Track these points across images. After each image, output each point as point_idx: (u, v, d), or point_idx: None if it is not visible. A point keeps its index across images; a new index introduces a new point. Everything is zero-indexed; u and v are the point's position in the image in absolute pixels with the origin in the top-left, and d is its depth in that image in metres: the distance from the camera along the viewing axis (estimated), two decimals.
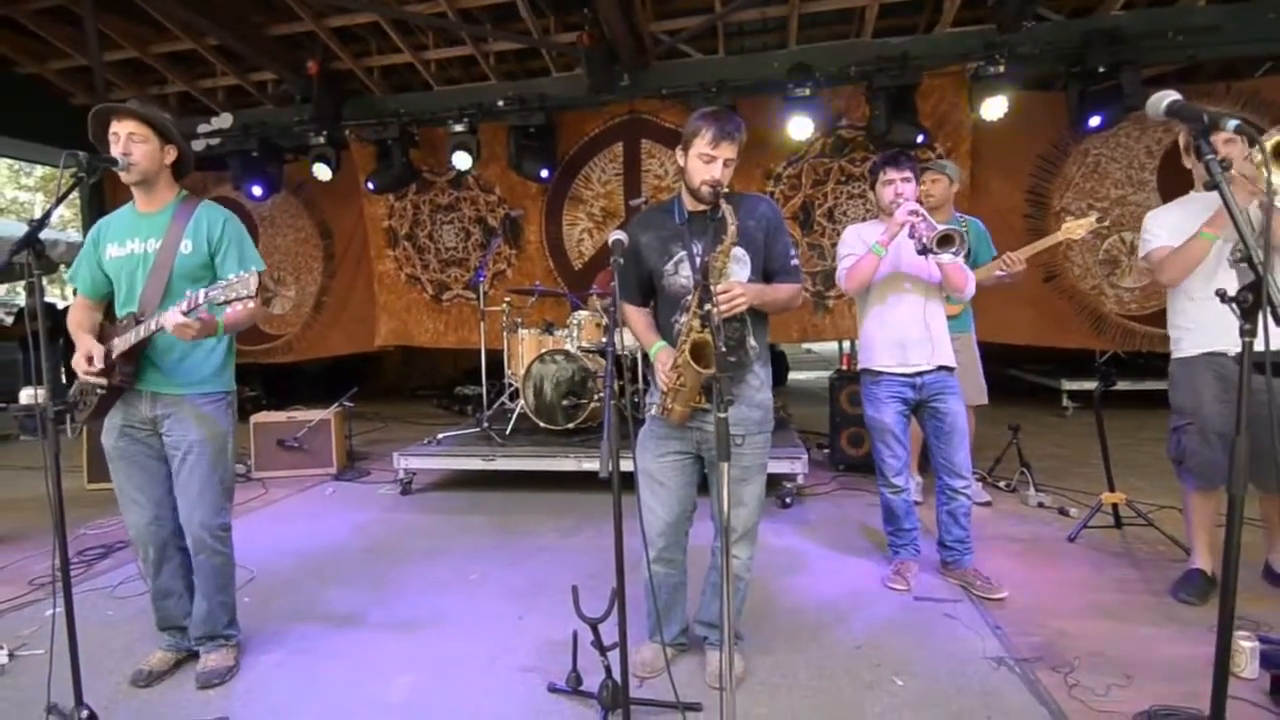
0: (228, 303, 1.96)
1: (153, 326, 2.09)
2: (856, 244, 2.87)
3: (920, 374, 2.82)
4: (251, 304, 1.96)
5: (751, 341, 2.14)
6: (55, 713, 1.98)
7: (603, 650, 1.98)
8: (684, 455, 2.16)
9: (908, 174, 2.78)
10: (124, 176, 2.20)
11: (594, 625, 1.99)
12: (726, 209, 1.99)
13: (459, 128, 5.74)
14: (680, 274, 2.10)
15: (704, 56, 5.71)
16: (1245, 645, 2.10)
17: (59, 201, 1.98)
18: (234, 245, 2.27)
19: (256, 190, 6.40)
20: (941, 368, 2.83)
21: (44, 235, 1.88)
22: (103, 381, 2.15)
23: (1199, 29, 4.84)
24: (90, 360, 2.13)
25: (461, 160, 5.83)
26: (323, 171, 6.12)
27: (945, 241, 2.57)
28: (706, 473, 2.21)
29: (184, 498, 2.27)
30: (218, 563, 2.33)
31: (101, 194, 6.71)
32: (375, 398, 8.50)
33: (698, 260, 2.03)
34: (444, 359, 9.24)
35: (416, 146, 6.21)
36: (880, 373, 2.88)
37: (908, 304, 2.82)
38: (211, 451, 2.26)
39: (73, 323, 2.31)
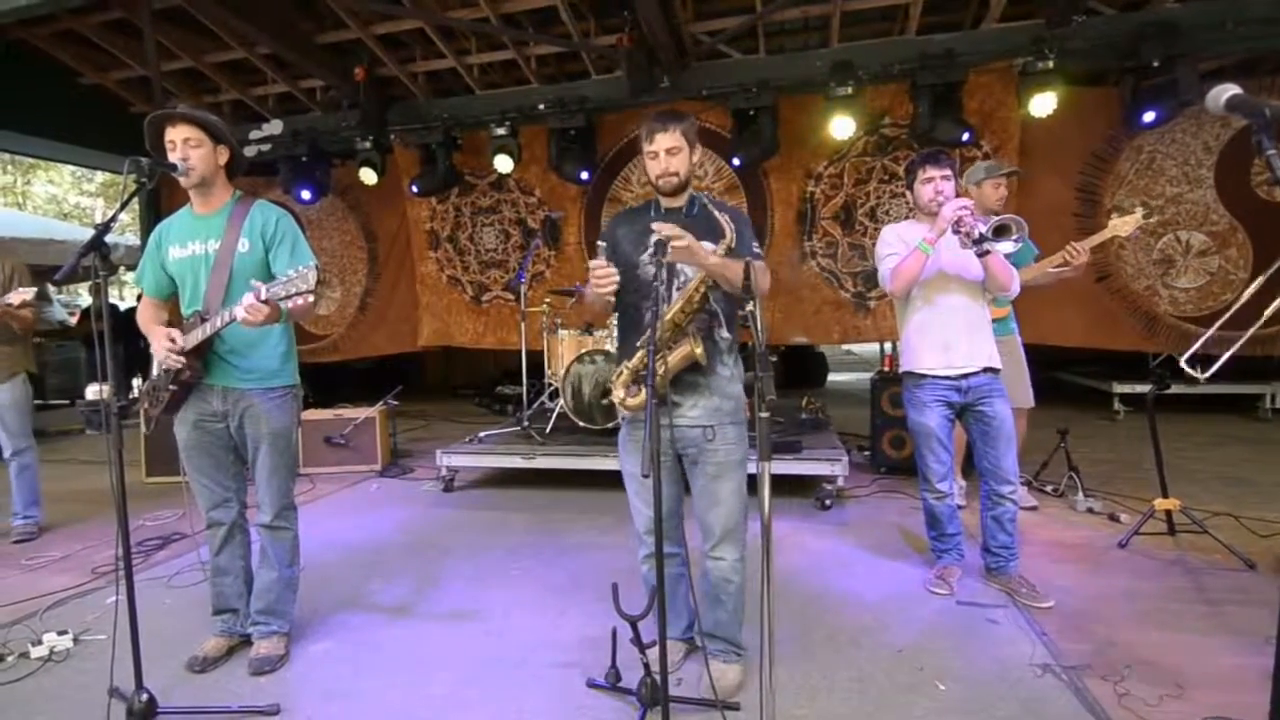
0: (289, 297, 2.03)
1: (226, 319, 2.17)
2: (896, 243, 2.82)
3: (965, 376, 2.77)
4: (311, 297, 2.03)
5: (723, 333, 2.13)
6: (117, 695, 2.07)
7: (642, 648, 2.00)
8: (663, 455, 2.09)
9: (947, 171, 2.73)
10: (183, 181, 2.29)
11: (633, 623, 2.01)
12: (705, 201, 2.08)
13: (500, 131, 5.84)
14: (652, 264, 2.11)
15: (744, 56, 5.69)
16: None
17: (124, 205, 2.10)
18: (287, 240, 2.36)
19: (305, 194, 6.60)
20: (987, 369, 2.77)
21: (107, 238, 1.99)
22: (180, 364, 2.24)
23: (1258, 20, 4.64)
24: (174, 340, 2.23)
25: (503, 163, 5.93)
26: (369, 175, 6.28)
27: (1003, 231, 2.50)
28: (688, 476, 2.18)
29: (259, 486, 2.45)
30: (286, 538, 2.51)
31: (158, 199, 7.00)
32: (418, 397, 8.67)
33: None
34: (485, 359, 9.35)
35: (459, 150, 6.33)
36: (924, 376, 2.82)
37: (952, 305, 2.78)
38: (280, 443, 2.42)
39: (143, 320, 2.45)
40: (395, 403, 5.54)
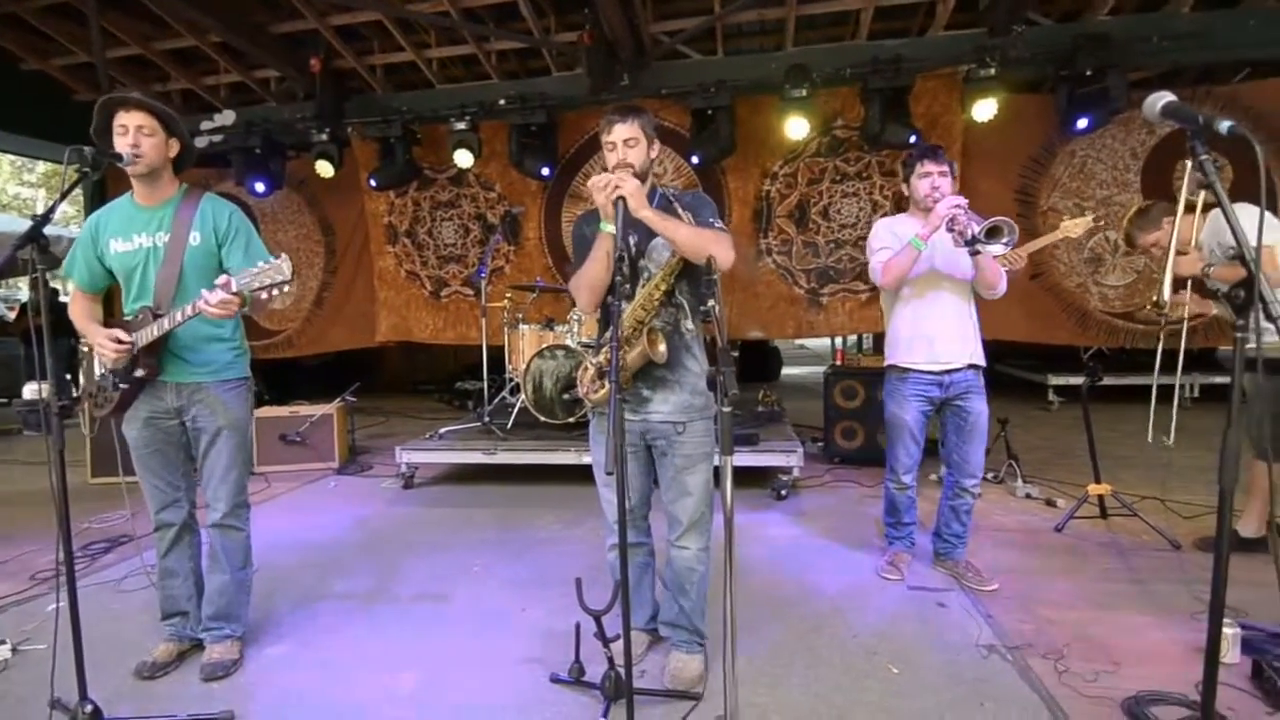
0: (262, 289, 1.98)
1: (189, 312, 2.06)
2: (888, 237, 2.78)
3: (949, 371, 2.74)
4: (288, 288, 1.99)
5: (688, 324, 2.10)
6: (59, 707, 1.93)
7: (606, 642, 1.97)
8: (632, 447, 2.09)
9: (945, 168, 2.71)
10: (131, 169, 2.16)
11: (597, 617, 1.98)
12: (668, 195, 2.06)
13: (460, 125, 5.69)
14: (623, 263, 2.08)
15: (703, 57, 5.67)
16: (1228, 632, 2.11)
17: (63, 196, 1.95)
18: (240, 236, 2.28)
19: (259, 187, 6.33)
20: (971, 366, 2.76)
21: (47, 231, 1.85)
22: (127, 361, 2.14)
23: (1182, 35, 4.84)
24: (119, 341, 2.11)
25: (463, 158, 5.78)
26: (325, 169, 6.06)
27: (994, 232, 2.49)
28: (657, 466, 2.16)
29: (211, 478, 2.32)
30: (239, 539, 2.39)
31: (104, 189, 6.63)
32: (377, 393, 8.46)
33: (633, 246, 2.03)
34: (445, 354, 9.19)
35: (418, 144, 6.15)
36: (907, 369, 2.79)
37: (943, 302, 2.75)
38: (236, 435, 2.32)
39: (77, 315, 2.29)
40: (353, 399, 5.37)
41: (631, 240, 2.05)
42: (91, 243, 2.26)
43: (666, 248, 2.04)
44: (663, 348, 2.00)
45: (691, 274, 2.09)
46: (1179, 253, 2.85)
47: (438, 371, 9.45)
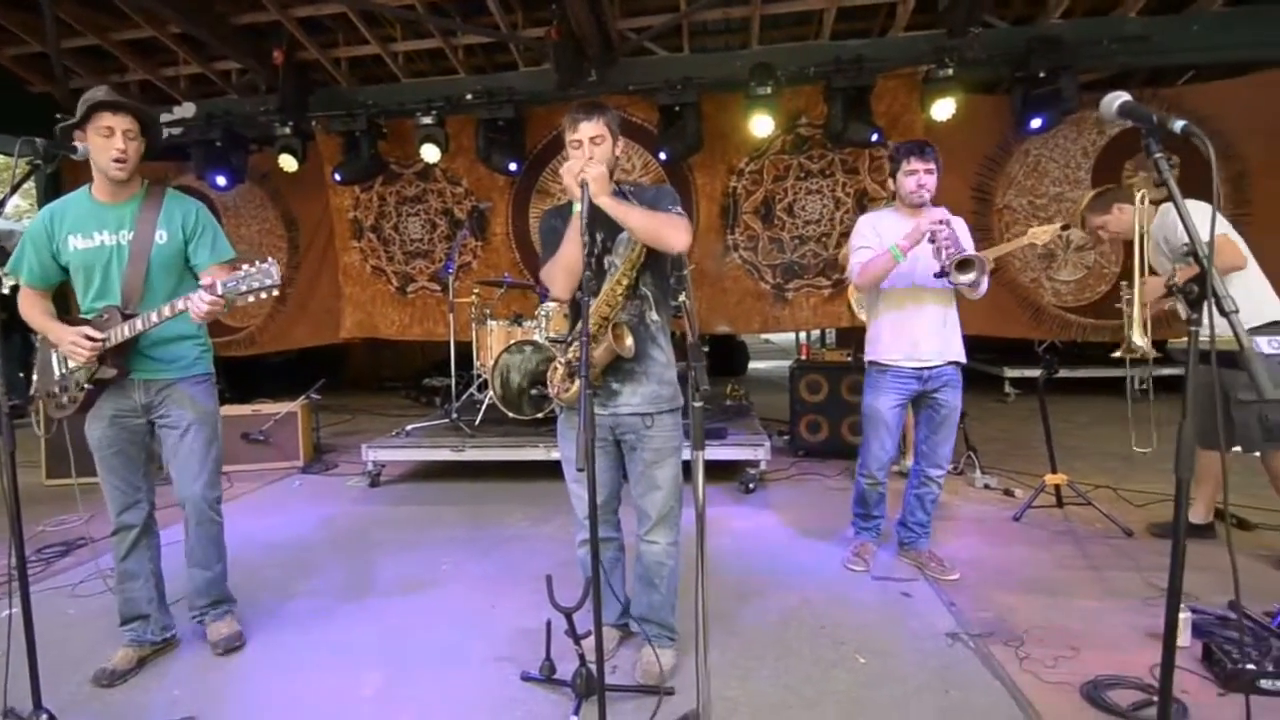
0: (249, 293, 1.97)
1: (167, 312, 2.05)
2: (870, 235, 2.75)
3: (930, 367, 2.74)
4: (276, 292, 1.99)
5: (653, 316, 2.07)
6: (12, 716, 1.84)
7: (576, 639, 1.94)
8: (602, 442, 2.07)
9: (931, 165, 2.67)
10: (113, 172, 2.11)
11: (568, 614, 1.94)
12: (628, 192, 2.03)
13: (427, 120, 5.56)
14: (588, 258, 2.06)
15: (670, 54, 5.64)
16: (1180, 616, 2.15)
17: (14, 190, 1.87)
18: (208, 233, 2.26)
19: (220, 180, 6.13)
20: (951, 362, 2.76)
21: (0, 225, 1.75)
22: (95, 360, 2.10)
23: (1130, 38, 4.97)
24: (92, 338, 2.06)
25: (429, 152, 5.65)
26: (289, 163, 5.87)
27: (964, 265, 2.49)
28: (626, 461, 2.13)
29: (184, 472, 2.28)
30: (214, 532, 2.38)
31: (59, 182, 6.30)
32: (343, 390, 8.26)
33: (599, 242, 2.03)
34: (412, 351, 9.02)
35: (384, 138, 5.99)
36: (888, 365, 2.78)
37: (926, 311, 2.72)
38: (207, 429, 2.30)
39: (33, 313, 2.20)
40: (318, 397, 5.21)
41: (598, 236, 2.03)
42: (46, 238, 2.16)
43: (631, 242, 2.01)
44: (629, 342, 1.96)
45: (655, 266, 2.06)
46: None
47: (404, 368, 9.29)
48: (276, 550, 3.31)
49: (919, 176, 2.68)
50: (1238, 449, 2.77)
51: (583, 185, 1.83)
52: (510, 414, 4.43)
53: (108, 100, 2.07)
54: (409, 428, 4.69)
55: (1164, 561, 1.47)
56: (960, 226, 2.73)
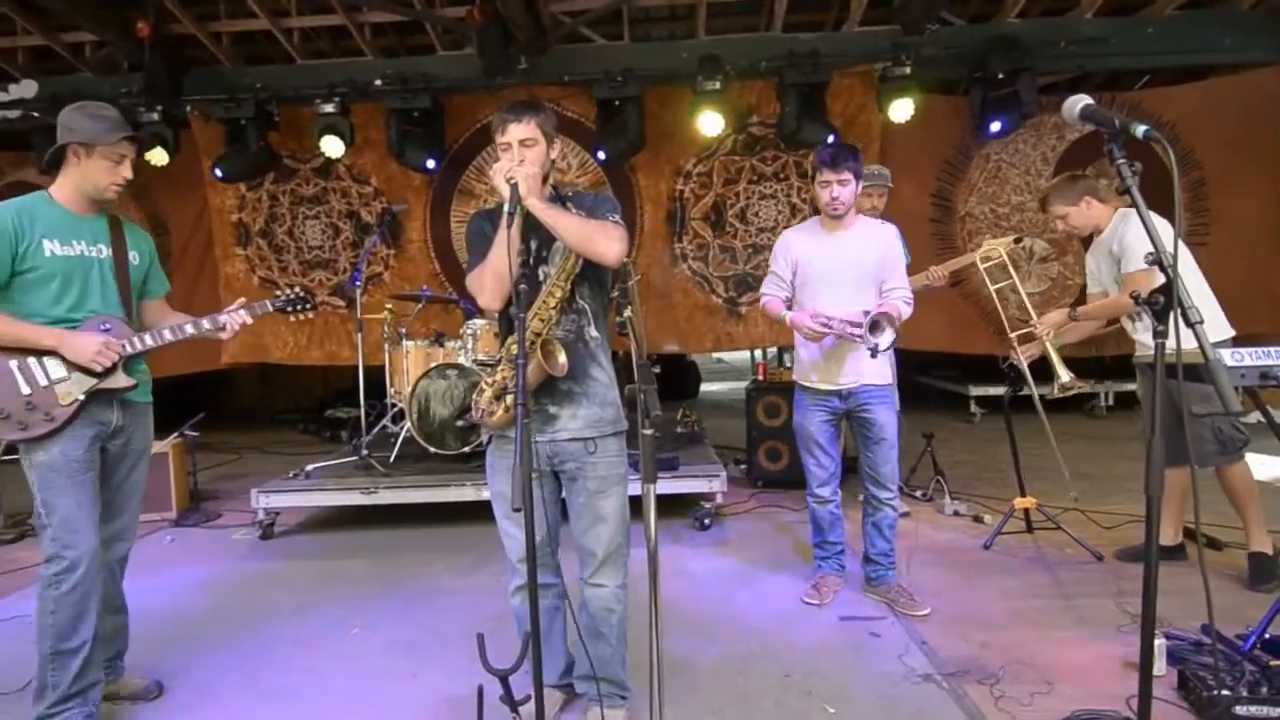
0: (286, 308, 2.58)
1: (207, 325, 2.42)
2: (781, 263, 3.05)
3: (848, 388, 2.97)
4: (313, 314, 2.54)
5: (592, 332, 2.13)
6: None
7: (514, 705, 1.92)
8: (537, 473, 2.08)
9: (846, 176, 2.83)
10: (110, 195, 2.31)
11: (503, 677, 1.92)
12: (567, 197, 2.14)
13: (328, 108, 5.49)
14: (521, 268, 2.11)
15: (608, 42, 5.77)
16: (1155, 644, 2.34)
17: None
18: (157, 264, 2.56)
19: None
20: (870, 384, 2.97)
21: None
22: (89, 381, 2.23)
23: (1087, 40, 5.44)
24: (110, 346, 2.23)
25: (331, 146, 5.57)
26: (158, 155, 5.64)
27: (876, 328, 2.73)
28: (564, 496, 2.17)
29: (132, 502, 2.47)
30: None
31: None
32: (226, 425, 7.90)
33: (532, 254, 2.09)
34: (311, 377, 8.78)
35: (276, 128, 5.87)
36: (806, 386, 3.07)
37: (839, 347, 2.95)
38: (148, 460, 2.52)
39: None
40: (195, 434, 4.98)
41: (532, 244, 2.08)
42: (13, 237, 2.18)
43: (566, 251, 2.06)
44: (562, 359, 2.00)
45: (594, 277, 2.12)
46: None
47: (302, 398, 9.08)
48: (145, 621, 2.95)
49: (832, 189, 2.87)
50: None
51: (512, 186, 1.88)
52: (431, 448, 4.37)
53: (136, 134, 2.35)
54: (309, 468, 4.56)
55: (1136, 586, 1.61)
56: (890, 236, 3.06)
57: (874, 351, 2.78)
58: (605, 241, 1.98)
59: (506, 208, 1.91)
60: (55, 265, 2.23)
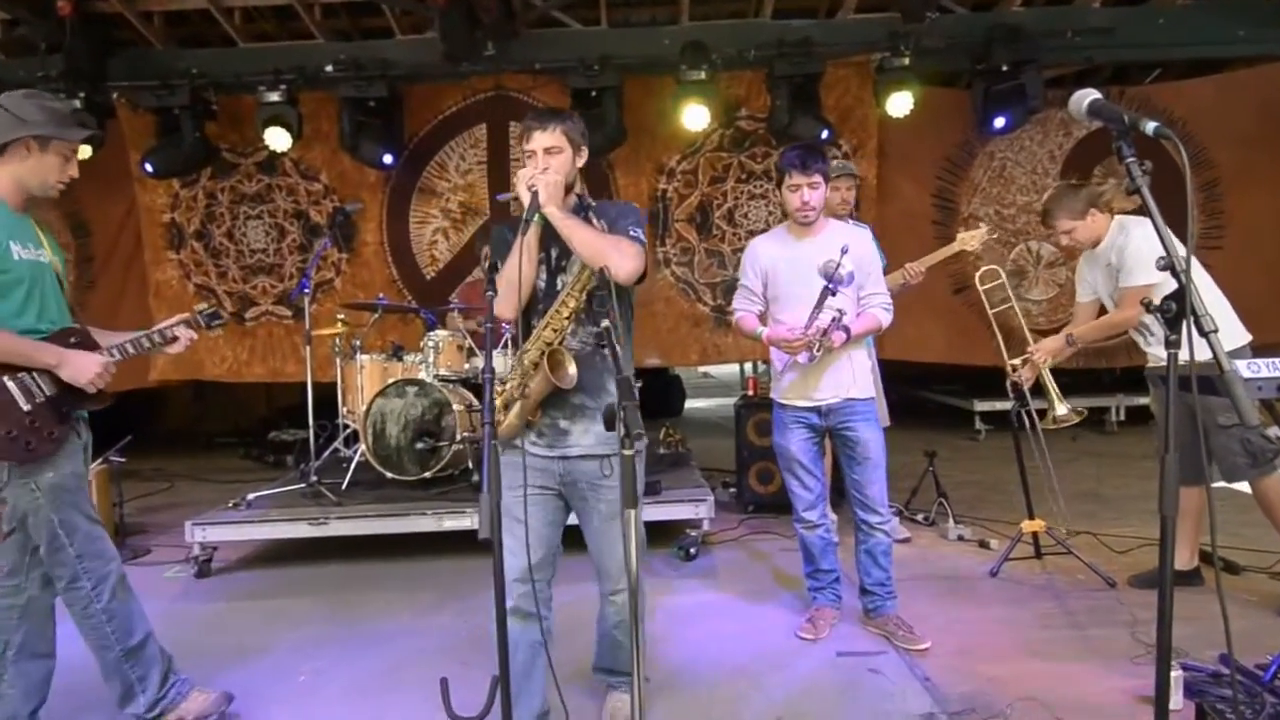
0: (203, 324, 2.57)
1: (158, 339, 2.49)
2: (751, 273, 3.14)
3: (827, 403, 3.05)
4: (222, 331, 2.43)
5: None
6: None
7: None
8: (544, 491, 2.20)
9: (816, 179, 2.91)
10: (53, 193, 2.36)
11: None
12: (590, 206, 2.25)
13: (273, 96, 5.50)
14: (540, 277, 2.26)
15: (584, 27, 5.85)
16: (1171, 676, 2.42)
17: None
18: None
19: None
20: (849, 399, 3.06)
21: None
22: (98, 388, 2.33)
23: (1094, 30, 5.64)
24: (107, 367, 2.33)
25: (276, 138, 5.59)
26: (81, 148, 5.60)
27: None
28: (577, 517, 2.27)
29: None
30: None
31: None
32: (156, 449, 7.82)
33: (552, 262, 2.24)
34: (253, 396, 8.75)
35: (213, 118, 5.89)
36: (785, 404, 3.15)
37: (818, 359, 3.00)
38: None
39: None
40: (121, 459, 4.93)
41: (553, 253, 2.22)
42: None
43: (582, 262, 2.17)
44: (571, 370, 2.10)
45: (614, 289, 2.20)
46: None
47: (242, 419, 9.02)
48: (64, 671, 2.77)
49: (802, 192, 2.93)
50: (1220, 482, 3.15)
51: (533, 193, 2.04)
52: (388, 474, 4.38)
53: (97, 132, 2.50)
54: (251, 496, 4.54)
55: (1150, 615, 1.68)
56: (864, 240, 3.16)
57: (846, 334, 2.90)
58: (617, 258, 2.07)
59: (525, 215, 2.07)
60: (24, 270, 2.25)
